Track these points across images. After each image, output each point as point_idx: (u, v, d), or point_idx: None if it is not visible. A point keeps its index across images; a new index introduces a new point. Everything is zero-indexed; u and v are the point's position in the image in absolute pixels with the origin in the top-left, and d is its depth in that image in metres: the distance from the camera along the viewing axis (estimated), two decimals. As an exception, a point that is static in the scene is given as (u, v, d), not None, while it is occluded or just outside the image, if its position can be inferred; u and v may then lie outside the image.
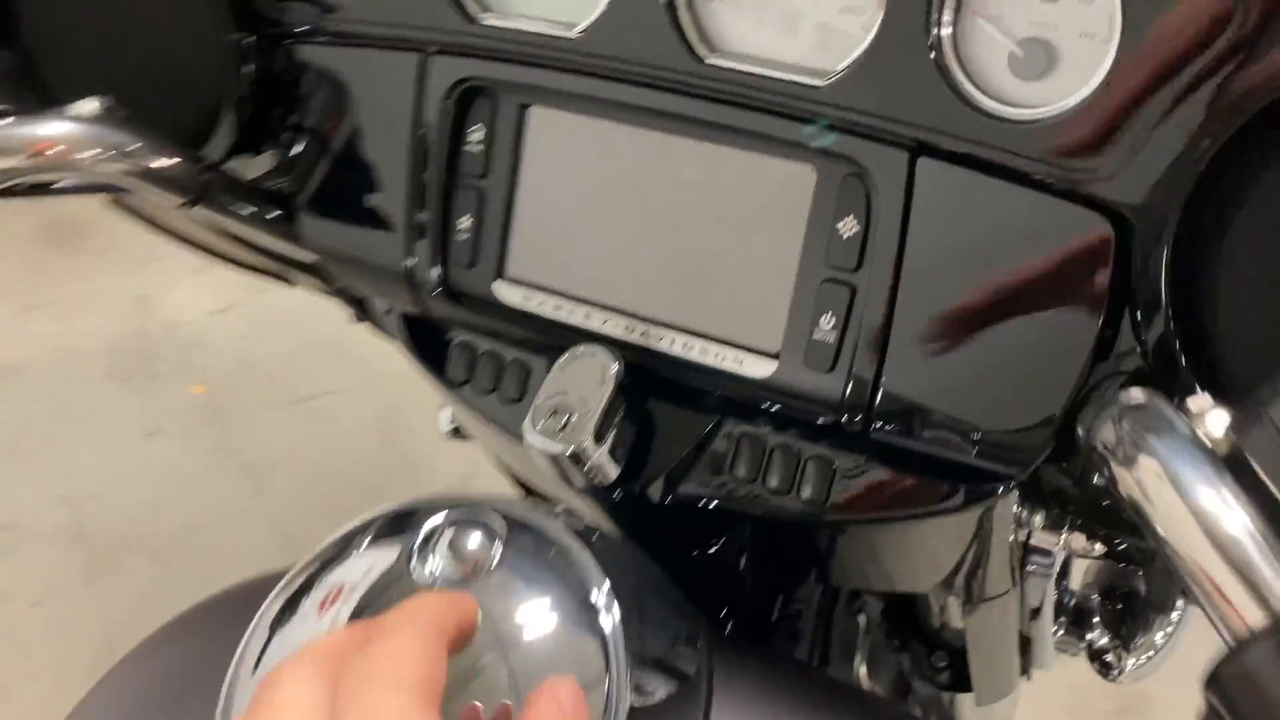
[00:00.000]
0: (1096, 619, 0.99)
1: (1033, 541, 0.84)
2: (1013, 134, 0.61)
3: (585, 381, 0.72)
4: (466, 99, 0.78)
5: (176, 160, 0.78)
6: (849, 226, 0.67)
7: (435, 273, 0.81)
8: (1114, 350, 0.62)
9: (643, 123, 0.73)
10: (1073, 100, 0.59)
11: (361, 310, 1.08)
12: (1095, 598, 1.00)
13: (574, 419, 0.71)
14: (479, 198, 0.79)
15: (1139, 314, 0.60)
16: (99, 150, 0.75)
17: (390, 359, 1.02)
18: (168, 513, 2.61)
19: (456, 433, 1.22)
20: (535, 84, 0.75)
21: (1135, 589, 0.98)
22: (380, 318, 0.94)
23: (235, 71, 0.82)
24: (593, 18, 0.71)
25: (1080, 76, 0.59)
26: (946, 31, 0.61)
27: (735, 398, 0.74)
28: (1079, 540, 0.83)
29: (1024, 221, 0.61)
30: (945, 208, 0.63)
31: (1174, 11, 0.54)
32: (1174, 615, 0.96)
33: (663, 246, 0.74)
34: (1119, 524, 0.76)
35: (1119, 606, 0.99)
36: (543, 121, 0.77)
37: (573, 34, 0.72)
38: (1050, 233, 0.61)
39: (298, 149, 0.85)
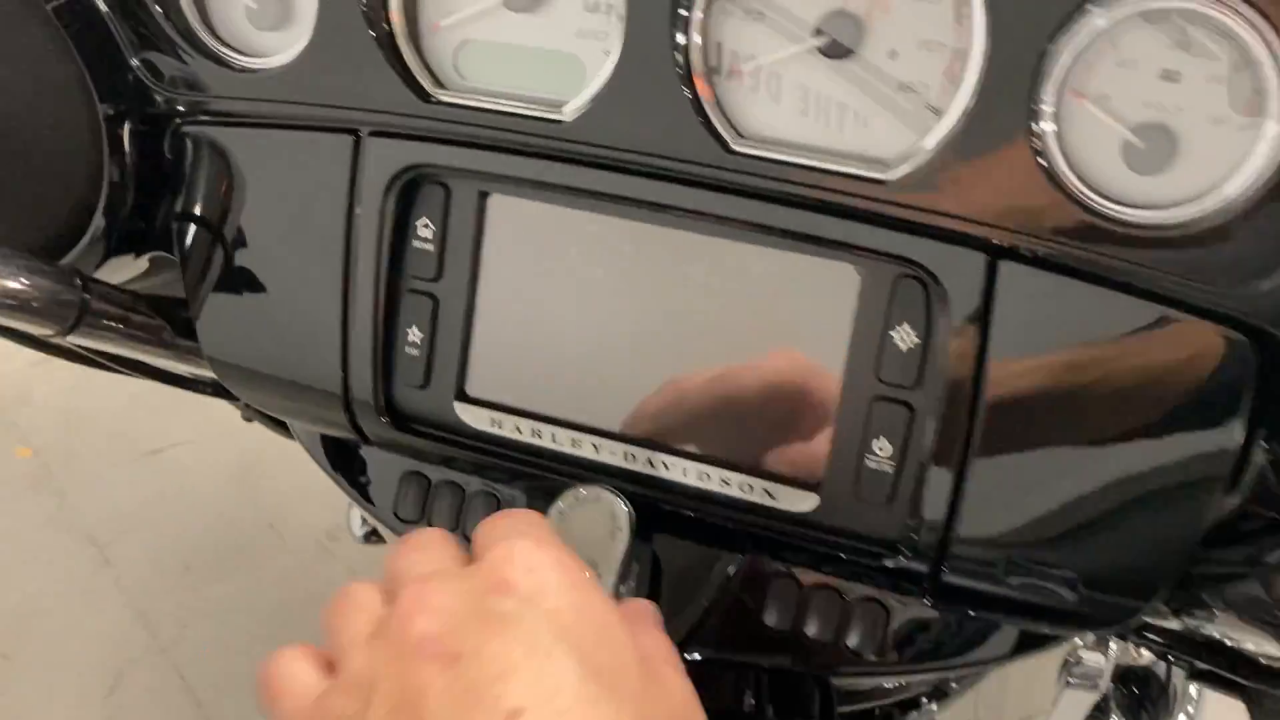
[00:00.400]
0: (1113, 704, 0.92)
1: (1079, 653, 0.76)
2: (1128, 238, 0.51)
3: (592, 534, 0.59)
4: (411, 187, 0.64)
5: (42, 281, 0.62)
6: (905, 337, 0.57)
7: (379, 395, 0.67)
8: (1242, 483, 0.53)
9: (642, 216, 0.60)
10: (1216, 200, 0.49)
11: (257, 413, 0.92)
12: (1109, 684, 0.93)
13: None
14: (431, 304, 0.65)
15: None
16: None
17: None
18: (1, 595, 2.33)
19: (373, 536, 1.07)
20: (506, 173, 0.61)
21: (1151, 672, 0.92)
22: (298, 433, 0.79)
23: (117, 157, 0.66)
24: (587, 98, 0.58)
25: (1213, 170, 0.49)
26: (1050, 127, 0.51)
27: (764, 534, 0.63)
28: (1124, 647, 0.75)
29: (1139, 338, 0.52)
30: (1037, 319, 0.53)
31: None
32: (1192, 690, 0.90)
33: (669, 358, 0.62)
34: (1218, 651, 0.68)
35: (1134, 690, 0.92)
36: (510, 212, 0.63)
37: (563, 116, 0.58)
38: (1174, 350, 0.51)
39: (191, 247, 0.69)
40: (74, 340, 0.64)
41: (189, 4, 0.65)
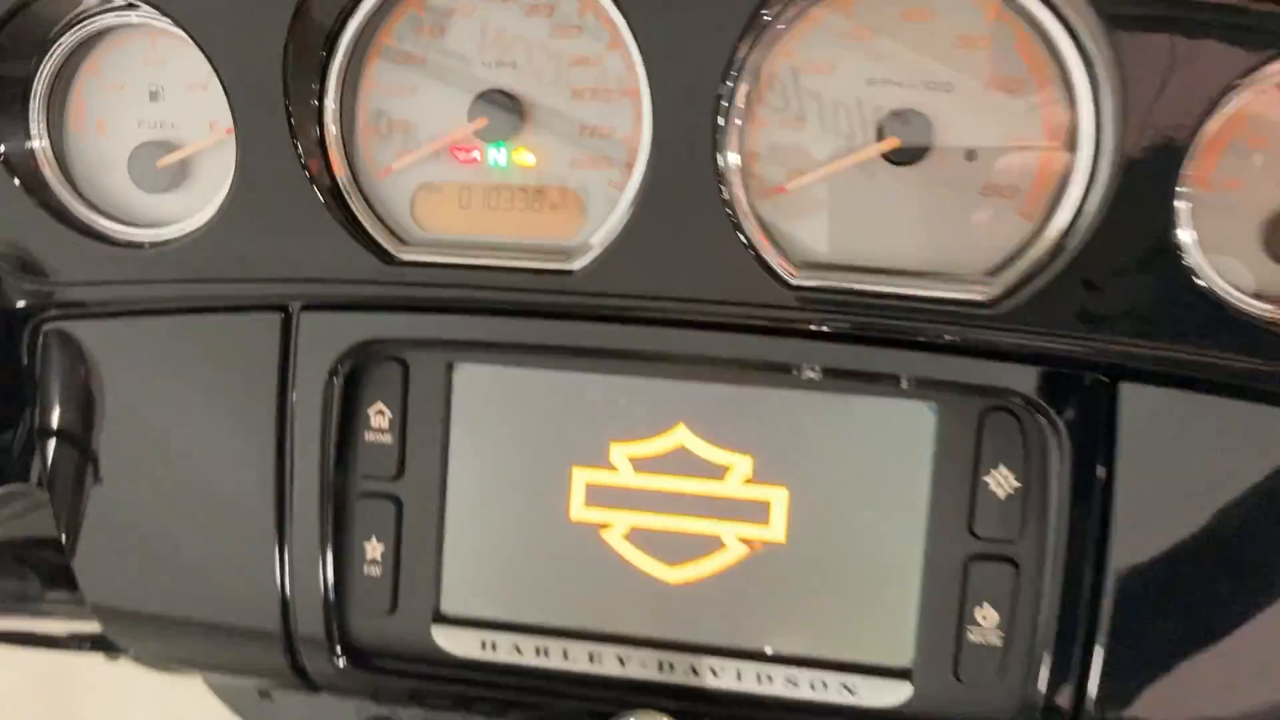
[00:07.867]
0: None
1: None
2: (1251, 335, 0.44)
3: None
4: (359, 368, 0.51)
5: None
6: (1003, 481, 0.47)
7: (333, 628, 0.53)
8: None
9: (664, 372, 0.49)
10: None
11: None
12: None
13: None
14: (394, 508, 0.52)
15: None
16: None
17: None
18: None
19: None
20: (490, 338, 0.50)
21: None
22: (213, 688, 0.62)
23: None
24: (602, 242, 0.47)
25: None
26: (1188, 226, 0.44)
27: None
28: None
29: (1263, 441, 0.45)
30: (1162, 440, 0.45)
31: None
32: None
33: (708, 536, 0.51)
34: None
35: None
36: (485, 384, 0.51)
37: (571, 266, 0.47)
38: None
39: (63, 470, 0.54)
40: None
41: (53, 171, 0.51)
